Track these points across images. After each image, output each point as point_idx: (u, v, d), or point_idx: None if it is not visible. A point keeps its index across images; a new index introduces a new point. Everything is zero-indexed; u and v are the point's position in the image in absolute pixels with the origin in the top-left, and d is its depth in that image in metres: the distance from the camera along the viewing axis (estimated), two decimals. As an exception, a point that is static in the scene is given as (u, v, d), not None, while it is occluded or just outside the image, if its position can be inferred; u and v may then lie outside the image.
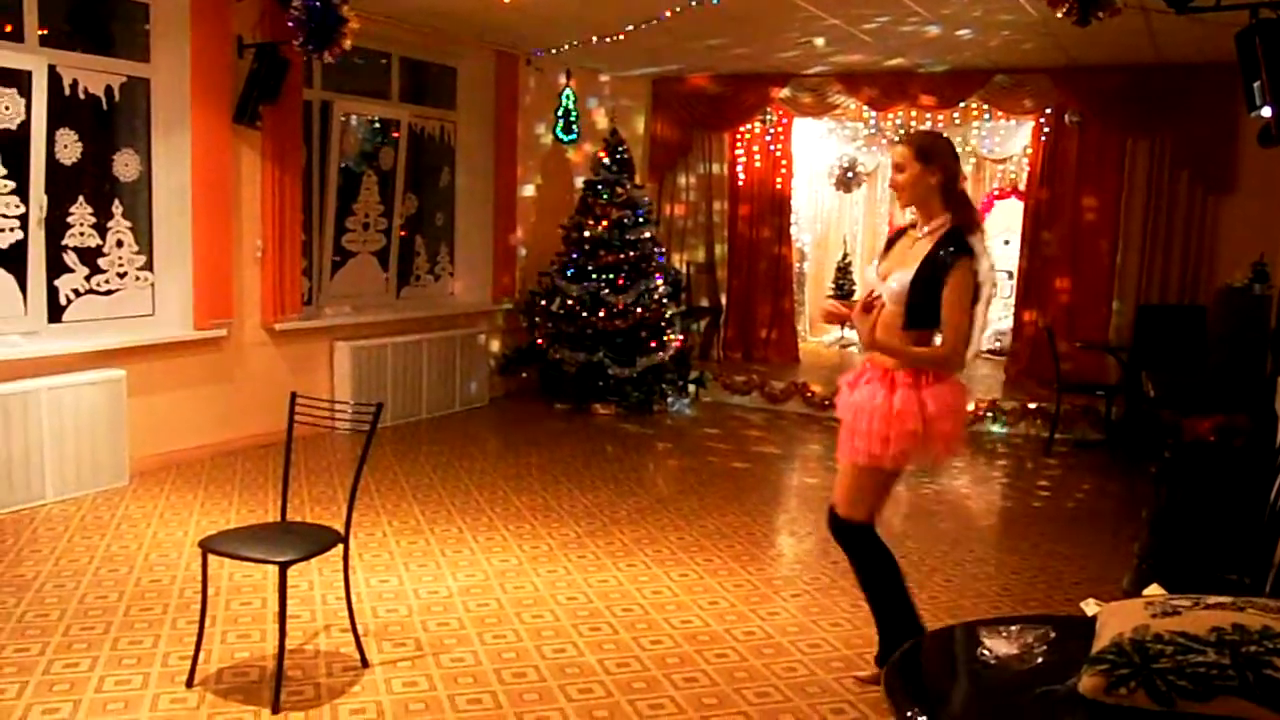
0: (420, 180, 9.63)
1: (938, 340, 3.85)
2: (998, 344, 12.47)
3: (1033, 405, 9.35)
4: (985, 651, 2.51)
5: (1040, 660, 2.46)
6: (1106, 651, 2.18)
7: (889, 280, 3.85)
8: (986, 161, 14.02)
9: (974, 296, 3.74)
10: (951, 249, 3.73)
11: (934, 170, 3.80)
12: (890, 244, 4.12)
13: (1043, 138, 10.52)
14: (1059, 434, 8.81)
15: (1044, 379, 10.07)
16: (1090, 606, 2.83)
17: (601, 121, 10.63)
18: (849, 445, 3.90)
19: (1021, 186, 12.62)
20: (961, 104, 10.85)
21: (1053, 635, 2.55)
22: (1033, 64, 9.60)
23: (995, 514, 7.14)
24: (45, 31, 6.42)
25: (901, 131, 13.71)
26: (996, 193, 14.02)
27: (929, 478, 7.52)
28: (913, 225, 3.98)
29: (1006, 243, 13.28)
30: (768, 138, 11.84)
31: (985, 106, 11.19)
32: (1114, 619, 2.34)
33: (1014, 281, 11.64)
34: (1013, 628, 2.58)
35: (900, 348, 3.81)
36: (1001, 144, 13.43)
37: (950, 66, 9.93)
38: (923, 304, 3.77)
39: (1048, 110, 10.32)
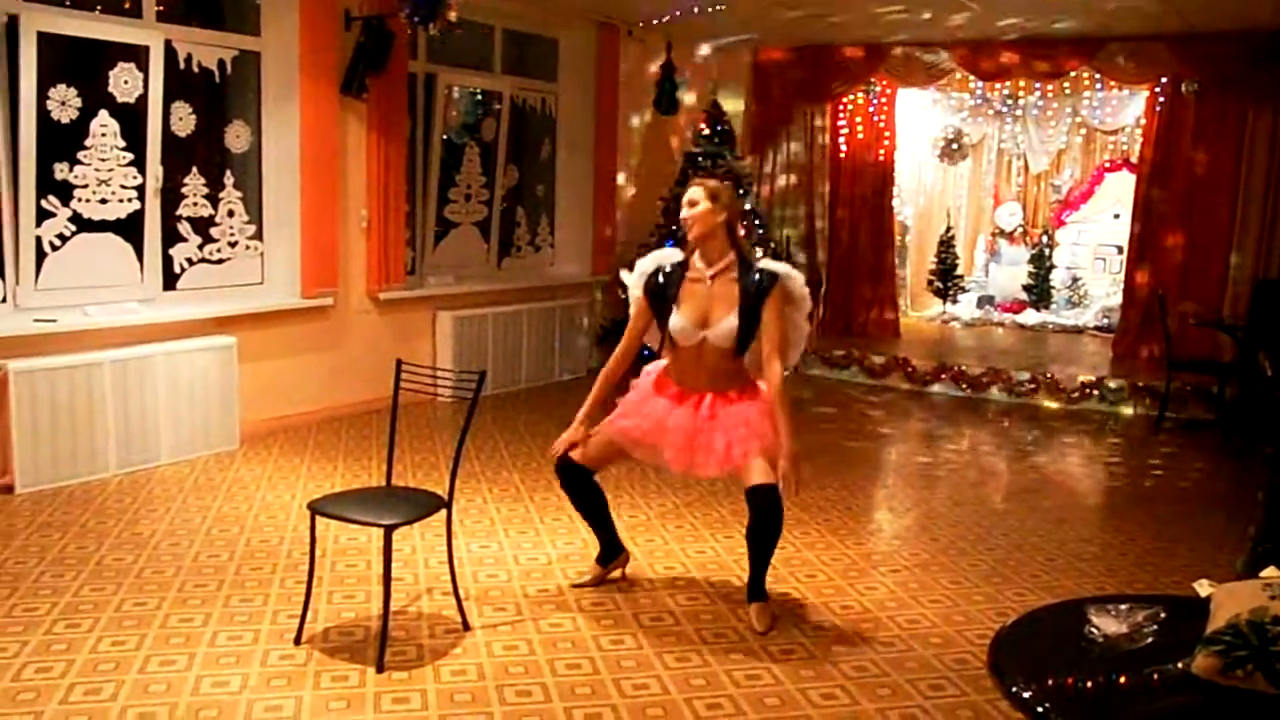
0: (521, 152, 9.69)
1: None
2: (1106, 321, 12.17)
3: (1141, 384, 9.10)
4: (1093, 630, 2.46)
5: (1150, 640, 2.41)
6: (1222, 632, 2.13)
7: (717, 325, 4.26)
8: (1097, 133, 13.64)
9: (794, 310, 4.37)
10: (758, 278, 4.25)
11: (720, 210, 4.26)
12: (662, 292, 4.39)
13: (1157, 108, 10.19)
14: (1169, 413, 8.56)
15: (1154, 356, 9.82)
16: (1203, 587, 2.75)
17: (703, 93, 10.57)
18: (725, 458, 4.24)
19: (1133, 159, 12.27)
20: (1072, 73, 10.55)
21: (1164, 615, 2.50)
22: (1148, 31, 9.27)
23: (1101, 493, 6.99)
24: (162, 8, 6.58)
25: (1009, 102, 13.45)
26: (1107, 165, 13.64)
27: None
28: (683, 267, 4.38)
29: (1117, 217, 12.95)
30: (870, 109, 11.65)
31: (1096, 75, 10.88)
32: (1230, 600, 2.28)
33: (1124, 256, 11.35)
34: (1122, 606, 2.53)
35: (785, 418, 4.19)
36: (1113, 115, 13.05)
37: (1061, 34, 9.65)
38: (748, 333, 4.27)
39: (1163, 79, 10.00)
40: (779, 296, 4.25)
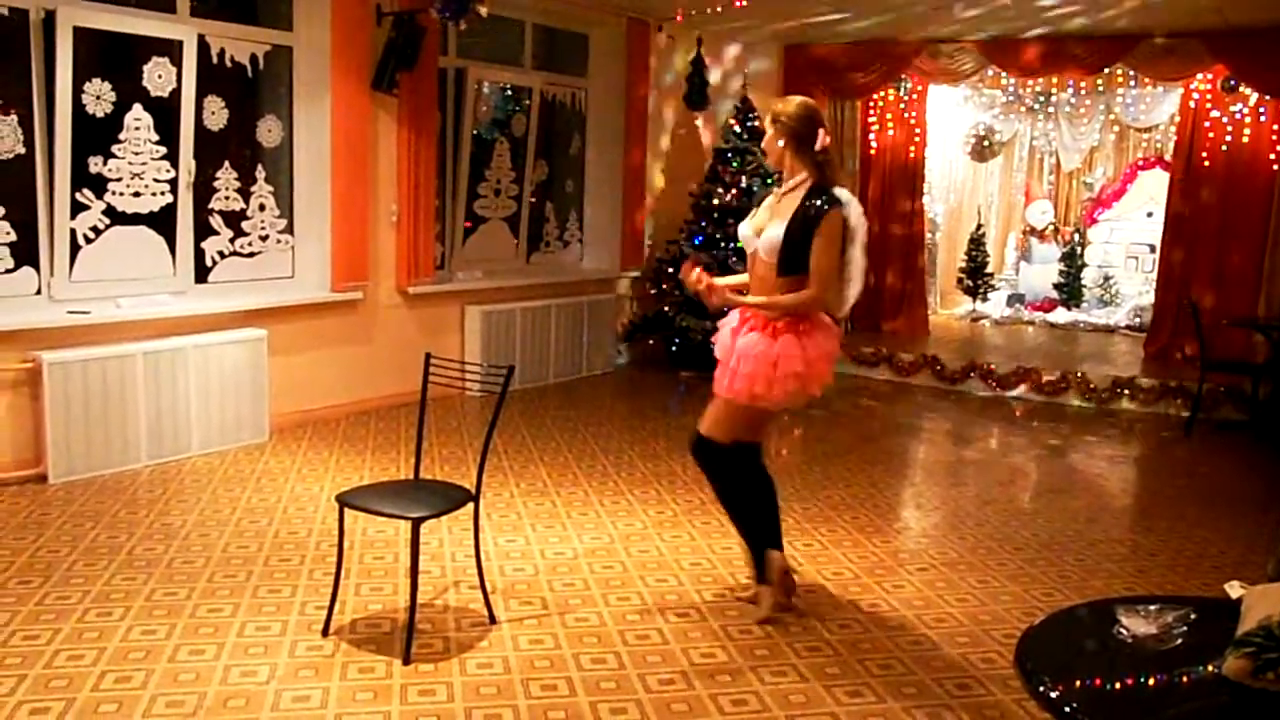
0: (551, 147, 9.70)
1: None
2: (1138, 320, 12.07)
3: (1173, 384, 9.02)
4: (1122, 630, 2.44)
5: (1180, 641, 2.39)
6: (1254, 634, 2.11)
7: (764, 235, 4.17)
8: (1130, 130, 13.51)
9: (844, 243, 4.12)
10: (819, 201, 4.08)
11: (780, 133, 4.22)
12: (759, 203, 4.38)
13: (1192, 105, 10.09)
14: (1201, 414, 8.47)
15: (1186, 356, 9.72)
16: (1235, 589, 2.73)
17: (732, 89, 10.55)
18: (730, 385, 4.21)
19: (1167, 156, 12.15)
20: (1106, 70, 10.46)
21: (1194, 616, 2.48)
22: (1185, 27, 9.16)
23: (1131, 494, 6.93)
24: (195, 3, 6.63)
25: (1041, 99, 13.35)
26: (1140, 162, 13.52)
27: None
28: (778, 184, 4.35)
29: (1150, 215, 12.84)
30: (901, 105, 11.59)
31: (1131, 73, 10.77)
32: (1261, 602, 2.26)
33: (1156, 255, 11.25)
34: (1152, 607, 2.51)
35: (771, 300, 4.14)
36: (1147, 112, 12.92)
37: (1095, 31, 9.55)
38: (794, 254, 4.09)
39: (1199, 76, 9.89)
40: (831, 223, 4.04)
